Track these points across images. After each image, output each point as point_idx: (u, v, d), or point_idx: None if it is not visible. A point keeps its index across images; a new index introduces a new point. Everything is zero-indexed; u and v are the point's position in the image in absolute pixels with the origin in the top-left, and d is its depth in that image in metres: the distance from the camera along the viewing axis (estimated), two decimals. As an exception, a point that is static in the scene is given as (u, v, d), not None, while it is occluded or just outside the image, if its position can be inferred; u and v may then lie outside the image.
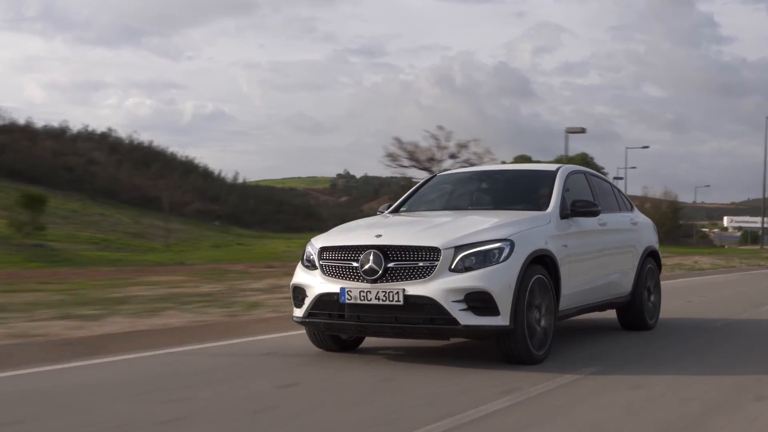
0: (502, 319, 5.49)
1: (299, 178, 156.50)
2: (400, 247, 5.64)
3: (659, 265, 8.59)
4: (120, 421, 4.11)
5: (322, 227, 18.94)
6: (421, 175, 28.15)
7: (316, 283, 5.92)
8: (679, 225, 71.00)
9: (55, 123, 54.42)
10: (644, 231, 8.37)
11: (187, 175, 58.80)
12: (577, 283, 6.54)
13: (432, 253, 5.56)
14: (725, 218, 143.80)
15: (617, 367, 5.91)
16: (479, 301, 5.46)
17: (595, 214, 6.84)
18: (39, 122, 48.91)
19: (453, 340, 6.44)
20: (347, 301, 5.66)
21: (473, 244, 5.61)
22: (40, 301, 9.45)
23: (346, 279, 5.75)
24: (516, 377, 5.31)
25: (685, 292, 13.76)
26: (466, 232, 5.76)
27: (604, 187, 7.98)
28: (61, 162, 49.96)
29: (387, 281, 5.57)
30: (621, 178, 55.93)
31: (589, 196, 7.23)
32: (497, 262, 5.56)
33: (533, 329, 5.77)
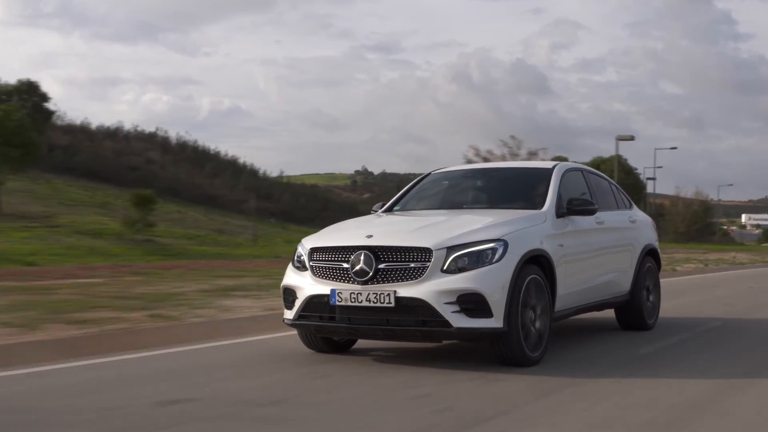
0: (496, 321, 5.37)
1: (317, 174, 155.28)
2: (391, 247, 5.52)
3: (659, 264, 8.45)
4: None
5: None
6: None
7: (306, 284, 5.81)
8: (708, 224, 72.23)
9: (77, 120, 55.83)
10: (643, 229, 8.24)
11: (238, 174, 60.62)
12: (573, 282, 6.42)
13: (423, 253, 5.44)
14: (743, 216, 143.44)
15: (617, 367, 5.79)
16: (472, 302, 5.33)
17: (591, 212, 6.72)
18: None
19: (445, 342, 6.32)
20: (338, 303, 5.55)
21: (466, 244, 5.49)
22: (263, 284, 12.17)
23: (336, 280, 5.63)
24: (510, 379, 5.20)
25: (741, 281, 16.95)
26: (458, 232, 5.64)
27: (602, 185, 7.85)
28: (124, 161, 51.49)
29: (378, 283, 5.46)
30: (653, 179, 57.48)
31: (586, 194, 7.11)
32: (490, 263, 5.43)
33: (528, 330, 5.65)
